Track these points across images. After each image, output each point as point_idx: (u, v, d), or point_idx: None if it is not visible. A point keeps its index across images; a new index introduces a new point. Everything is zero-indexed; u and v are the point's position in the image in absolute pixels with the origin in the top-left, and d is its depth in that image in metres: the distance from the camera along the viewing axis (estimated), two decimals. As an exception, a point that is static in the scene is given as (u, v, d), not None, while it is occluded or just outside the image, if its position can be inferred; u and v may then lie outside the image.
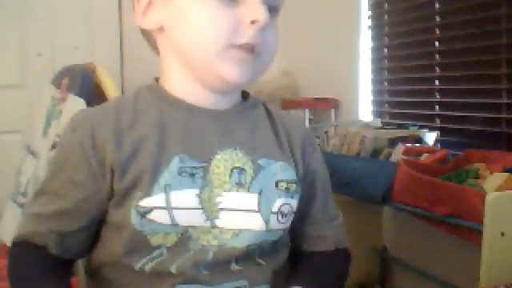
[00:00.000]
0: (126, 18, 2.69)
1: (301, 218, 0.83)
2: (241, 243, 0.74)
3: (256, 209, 0.74)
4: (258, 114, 0.83)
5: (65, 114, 1.65)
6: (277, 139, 0.81)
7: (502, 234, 1.18)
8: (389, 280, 2.14)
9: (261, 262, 0.77)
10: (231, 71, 0.73)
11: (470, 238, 1.35)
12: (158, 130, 0.74)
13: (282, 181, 0.77)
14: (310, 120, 2.57)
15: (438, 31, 2.03)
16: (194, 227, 0.72)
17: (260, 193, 0.75)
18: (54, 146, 1.60)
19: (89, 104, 1.60)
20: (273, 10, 0.75)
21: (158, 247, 0.72)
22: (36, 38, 2.60)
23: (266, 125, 0.82)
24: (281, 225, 0.77)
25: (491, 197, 1.20)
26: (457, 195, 1.37)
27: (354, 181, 1.70)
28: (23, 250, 0.75)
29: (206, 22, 0.71)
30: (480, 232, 1.21)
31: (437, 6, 2.02)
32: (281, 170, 0.78)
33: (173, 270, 0.71)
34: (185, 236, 0.72)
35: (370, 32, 2.41)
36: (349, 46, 2.47)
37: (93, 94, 1.69)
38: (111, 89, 1.66)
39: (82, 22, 2.67)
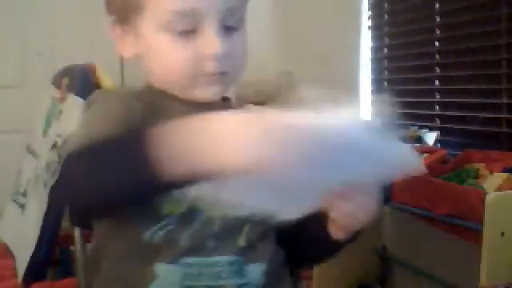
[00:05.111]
0: (126, 18, 2.68)
1: None
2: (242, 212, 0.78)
3: None
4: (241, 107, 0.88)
5: (65, 114, 1.65)
6: None
7: (502, 233, 1.19)
8: (389, 280, 2.14)
9: (259, 244, 0.80)
10: (202, 93, 0.79)
11: (470, 238, 1.35)
12: (152, 113, 0.79)
13: None
14: (310, 120, 2.56)
15: (438, 31, 2.03)
16: (200, 198, 0.75)
17: None
18: (54, 146, 1.60)
19: (89, 104, 1.60)
20: (232, 28, 0.78)
21: (168, 216, 0.75)
22: (36, 38, 2.60)
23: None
24: None
25: (491, 197, 1.20)
26: (457, 195, 1.37)
27: (354, 181, 1.70)
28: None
29: (169, 58, 0.77)
30: (480, 232, 1.21)
31: (437, 6, 2.02)
32: None
33: (182, 241, 0.75)
34: (192, 207, 0.75)
35: (370, 32, 2.41)
36: (349, 46, 2.47)
37: (93, 94, 1.69)
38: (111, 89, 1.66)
39: (82, 22, 2.67)
